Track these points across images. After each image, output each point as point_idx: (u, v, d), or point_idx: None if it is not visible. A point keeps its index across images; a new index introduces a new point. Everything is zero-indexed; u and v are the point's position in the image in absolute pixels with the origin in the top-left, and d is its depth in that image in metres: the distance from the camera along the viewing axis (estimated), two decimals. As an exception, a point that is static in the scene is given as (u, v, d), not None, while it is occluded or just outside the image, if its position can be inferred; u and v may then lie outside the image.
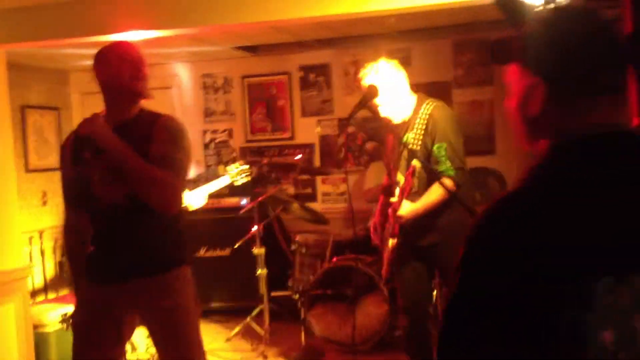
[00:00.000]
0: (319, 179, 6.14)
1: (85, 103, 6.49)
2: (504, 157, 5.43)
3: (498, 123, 5.48)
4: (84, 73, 6.43)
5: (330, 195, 6.11)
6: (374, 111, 2.75)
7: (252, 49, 6.01)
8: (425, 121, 3.12)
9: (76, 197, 2.59)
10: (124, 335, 2.64)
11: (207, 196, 4.00)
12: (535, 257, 0.96)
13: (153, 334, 2.59)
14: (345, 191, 6.02)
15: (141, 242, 2.48)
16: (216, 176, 4.23)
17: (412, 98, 3.24)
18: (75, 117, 6.51)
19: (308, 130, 6.15)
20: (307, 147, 6.16)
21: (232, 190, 4.85)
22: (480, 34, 5.55)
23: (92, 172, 2.49)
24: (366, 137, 5.97)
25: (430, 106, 3.19)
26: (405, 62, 5.60)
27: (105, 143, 2.40)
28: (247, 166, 4.19)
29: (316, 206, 5.62)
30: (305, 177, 6.01)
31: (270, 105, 6.27)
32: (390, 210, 3.17)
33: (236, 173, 4.14)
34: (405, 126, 3.21)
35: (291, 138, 6.23)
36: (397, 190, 3.10)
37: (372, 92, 2.77)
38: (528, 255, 0.96)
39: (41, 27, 3.72)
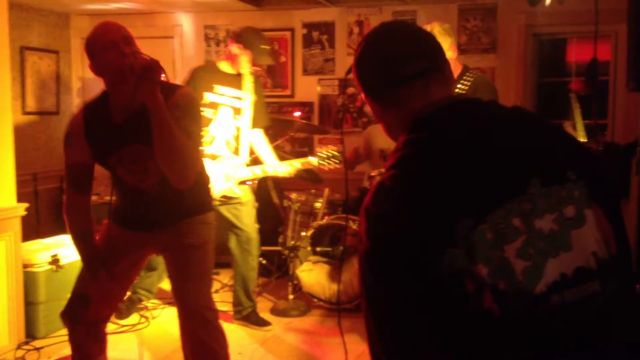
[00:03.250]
0: (316, 138, 6.13)
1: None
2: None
3: (499, 92, 5.43)
4: (85, 17, 6.37)
5: (326, 155, 6.09)
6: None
7: (256, 2, 5.93)
8: (467, 88, 3.20)
9: (85, 183, 2.64)
10: (136, 273, 2.86)
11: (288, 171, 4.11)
12: (409, 216, 1.10)
13: (171, 269, 2.75)
14: (342, 152, 6.00)
15: (169, 201, 2.60)
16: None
17: (458, 66, 3.33)
18: (75, 62, 6.46)
19: (309, 89, 6.12)
20: (306, 106, 6.13)
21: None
22: (486, 1, 5.49)
23: (117, 163, 2.56)
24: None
25: (473, 74, 3.32)
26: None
27: (156, 98, 2.31)
28: (338, 153, 4.14)
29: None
30: (302, 135, 5.99)
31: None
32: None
33: (324, 157, 4.12)
34: None
35: (291, 96, 6.20)
36: None
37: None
38: (409, 213, 1.11)
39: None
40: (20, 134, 5.56)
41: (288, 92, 6.20)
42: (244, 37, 4.01)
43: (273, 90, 6.22)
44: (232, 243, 4.23)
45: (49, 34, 6.20)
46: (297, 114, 6.01)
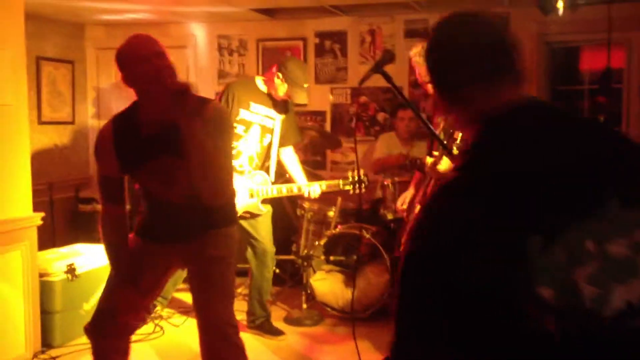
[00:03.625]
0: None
1: (100, 58, 6.50)
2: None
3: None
4: (100, 27, 6.44)
5: (339, 164, 6.12)
6: (387, 78, 2.72)
7: (269, 12, 5.97)
8: None
9: (117, 194, 2.66)
10: (161, 286, 2.84)
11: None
12: (474, 223, 1.03)
13: (192, 281, 2.74)
14: (354, 161, 6.02)
15: (195, 213, 2.60)
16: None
17: None
18: (90, 72, 6.52)
19: (322, 98, 6.14)
20: (319, 115, 6.15)
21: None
22: (498, 10, 5.49)
23: (147, 177, 2.60)
24: (378, 108, 5.95)
25: None
26: (423, 33, 5.57)
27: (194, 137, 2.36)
28: (366, 178, 4.16)
29: (325, 174, 5.64)
30: (315, 144, 6.00)
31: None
32: (427, 168, 3.20)
33: (350, 182, 4.12)
34: None
35: (304, 105, 6.21)
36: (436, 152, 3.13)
37: (387, 57, 2.74)
38: (468, 222, 1.04)
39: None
40: (36, 143, 5.62)
41: (301, 101, 6.21)
42: (288, 70, 3.98)
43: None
44: (249, 254, 4.25)
45: (65, 45, 6.27)
46: (311, 123, 6.02)
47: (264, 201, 4.18)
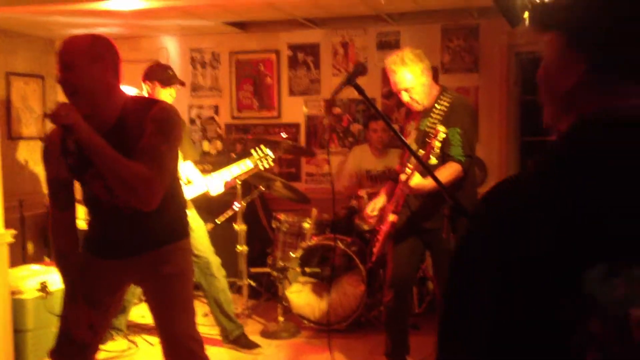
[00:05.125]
0: (303, 159, 6.16)
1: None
2: (486, 144, 5.47)
3: (482, 111, 5.51)
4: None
5: (313, 175, 6.14)
6: (360, 91, 2.75)
7: (241, 25, 5.98)
8: (445, 108, 3.25)
9: (66, 199, 2.57)
10: (117, 302, 2.74)
11: (225, 182, 4.05)
12: (529, 238, 0.93)
13: (151, 300, 2.67)
14: (328, 172, 6.04)
15: (144, 224, 2.52)
16: (232, 161, 4.23)
17: (434, 88, 3.38)
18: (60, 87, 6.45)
19: (295, 110, 6.16)
20: (293, 127, 6.17)
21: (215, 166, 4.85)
22: (469, 21, 5.57)
23: (93, 181, 2.49)
24: (352, 119, 5.99)
25: (450, 95, 3.35)
26: (395, 45, 5.64)
27: (82, 136, 2.26)
28: (270, 150, 4.17)
29: (299, 186, 5.64)
30: (289, 156, 6.02)
31: (258, 83, 6.25)
32: (400, 181, 3.23)
33: (258, 157, 4.13)
34: (424, 113, 3.34)
35: (277, 117, 6.23)
36: (411, 164, 3.15)
37: (359, 69, 2.76)
38: (523, 236, 0.94)
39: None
40: (6, 159, 5.54)
41: (274, 114, 6.23)
42: (154, 74, 4.08)
43: (259, 111, 6.26)
44: (194, 272, 4.17)
45: (35, 60, 6.20)
46: (284, 135, 6.03)
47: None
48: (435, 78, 3.46)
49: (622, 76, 0.99)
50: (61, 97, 6.42)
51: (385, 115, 3.13)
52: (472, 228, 1.02)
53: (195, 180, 4.16)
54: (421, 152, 3.02)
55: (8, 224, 3.92)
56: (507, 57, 5.61)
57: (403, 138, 3.03)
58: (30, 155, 6.10)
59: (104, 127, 2.38)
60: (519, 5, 3.59)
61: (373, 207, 3.56)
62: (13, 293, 3.87)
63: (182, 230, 2.68)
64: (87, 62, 2.30)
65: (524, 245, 0.93)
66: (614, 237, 0.91)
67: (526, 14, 3.52)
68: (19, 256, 5.10)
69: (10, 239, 3.84)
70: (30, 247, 5.88)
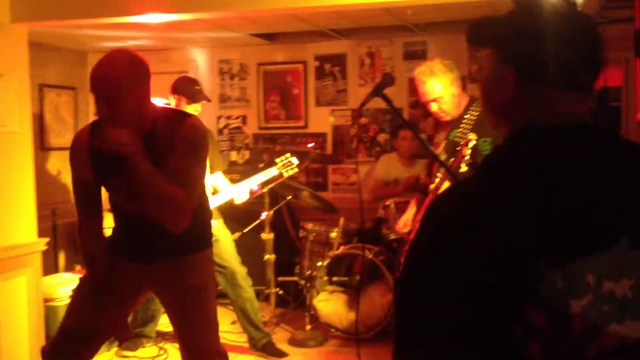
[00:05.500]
0: (330, 168, 6.19)
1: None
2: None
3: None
4: (102, 54, 6.50)
5: (340, 185, 6.16)
6: (387, 101, 2.77)
7: (269, 37, 6.05)
8: (474, 118, 3.23)
9: (93, 205, 2.57)
10: (132, 308, 2.75)
11: (250, 190, 4.11)
12: (477, 236, 0.98)
13: (171, 312, 2.65)
14: (355, 182, 6.06)
15: (167, 231, 2.49)
16: (259, 170, 4.28)
17: (464, 98, 3.36)
18: (92, 98, 6.58)
19: (321, 120, 6.20)
20: (319, 137, 6.20)
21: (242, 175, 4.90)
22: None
23: (118, 188, 2.50)
24: (378, 129, 6.01)
25: (480, 105, 3.29)
26: (421, 55, 5.65)
27: (138, 166, 2.29)
28: (294, 158, 4.21)
29: (326, 195, 5.67)
30: (316, 165, 6.05)
31: (285, 94, 6.31)
32: (429, 191, 3.22)
33: (282, 165, 4.18)
34: (454, 124, 3.33)
35: (304, 127, 6.27)
36: (440, 173, 3.15)
37: (387, 80, 2.79)
38: (470, 234, 0.99)
39: (63, 7, 3.78)
40: (40, 169, 5.65)
41: (301, 124, 6.28)
42: (182, 88, 4.17)
43: (287, 121, 6.31)
44: (220, 281, 4.22)
45: (67, 72, 6.34)
46: (311, 144, 6.07)
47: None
48: (463, 88, 3.46)
49: (548, 86, 1.08)
50: (92, 108, 6.54)
51: (413, 125, 3.14)
52: (422, 229, 1.07)
53: (222, 189, 4.21)
54: (452, 160, 3.02)
55: (41, 233, 4.00)
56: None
57: (430, 146, 3.04)
58: (63, 166, 6.22)
59: (136, 133, 2.38)
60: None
61: (405, 222, 3.57)
62: (46, 300, 3.96)
63: (206, 240, 2.68)
64: (126, 84, 2.30)
65: (473, 243, 0.98)
66: (553, 234, 0.96)
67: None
68: (51, 264, 5.20)
69: (43, 247, 3.92)
70: (62, 255, 5.99)
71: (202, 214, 2.63)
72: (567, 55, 1.07)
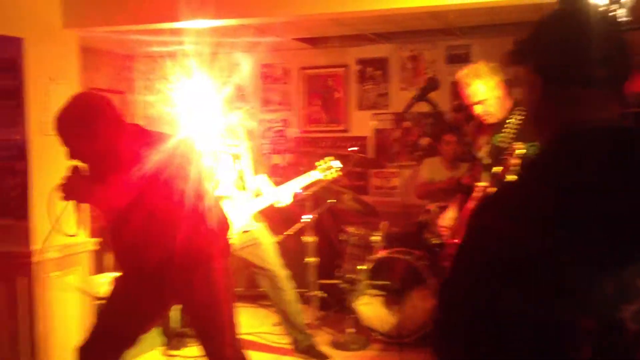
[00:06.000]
0: (371, 172, 6.19)
1: (149, 87, 6.70)
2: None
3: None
4: (148, 58, 6.64)
5: (382, 188, 6.15)
6: (433, 104, 2.77)
7: (311, 41, 6.08)
8: (519, 122, 3.20)
9: None
10: (156, 316, 2.89)
11: (293, 193, 4.17)
12: (519, 242, 0.99)
13: (191, 319, 2.80)
14: (397, 185, 6.05)
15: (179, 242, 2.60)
16: (300, 173, 4.33)
17: (508, 101, 3.34)
18: (139, 101, 6.72)
19: (363, 124, 6.20)
20: (360, 140, 6.21)
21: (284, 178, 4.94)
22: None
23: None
24: (421, 133, 5.98)
25: (524, 109, 3.25)
26: (465, 59, 5.61)
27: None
28: (336, 162, 4.25)
29: (367, 199, 5.66)
30: (358, 169, 6.06)
31: (327, 98, 6.34)
32: (475, 195, 3.20)
33: (324, 169, 4.22)
34: (497, 127, 3.30)
35: (346, 130, 6.29)
36: (485, 177, 3.13)
37: (431, 84, 2.79)
38: (513, 240, 1.00)
39: (113, 13, 3.88)
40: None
41: (343, 127, 6.29)
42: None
43: (328, 125, 6.33)
44: (263, 284, 4.28)
45: (115, 75, 6.49)
46: (353, 148, 6.08)
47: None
48: (508, 92, 3.43)
49: (565, 84, 1.12)
50: (139, 112, 6.67)
51: (457, 129, 3.12)
52: (471, 230, 1.09)
53: (265, 192, 4.26)
54: (499, 168, 3.00)
55: (91, 233, 4.10)
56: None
57: (475, 151, 3.03)
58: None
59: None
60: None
61: (444, 219, 3.56)
62: (95, 298, 4.05)
63: (218, 249, 2.74)
64: (72, 128, 2.53)
65: (521, 250, 0.99)
66: (602, 240, 0.97)
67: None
68: (99, 263, 5.31)
69: (93, 247, 4.02)
70: (108, 255, 6.10)
71: (207, 225, 2.69)
72: (593, 57, 1.10)
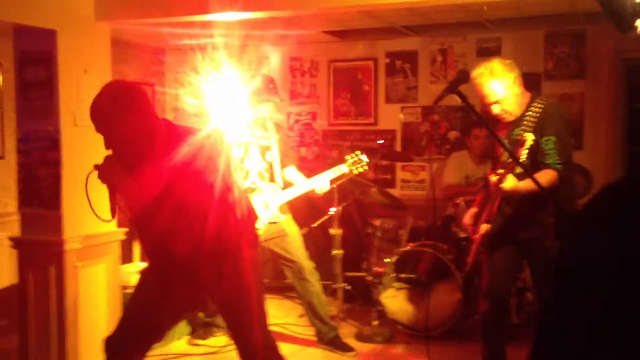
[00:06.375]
0: (398, 165, 6.17)
1: (179, 80, 6.76)
2: (592, 153, 5.28)
3: (588, 118, 5.33)
4: (178, 51, 6.70)
5: (409, 182, 6.13)
6: (462, 98, 2.74)
7: (340, 34, 6.07)
8: (537, 116, 3.17)
9: None
10: (186, 309, 2.92)
11: (330, 180, 4.22)
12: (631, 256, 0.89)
13: (220, 309, 2.83)
14: (424, 179, 6.02)
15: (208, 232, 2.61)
16: (328, 167, 4.35)
17: (525, 96, 3.30)
18: (169, 94, 6.79)
19: (391, 117, 6.18)
20: (389, 134, 6.19)
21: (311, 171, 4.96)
22: (574, 27, 5.41)
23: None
24: (449, 126, 5.94)
25: (543, 103, 3.26)
26: (495, 52, 5.55)
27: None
28: (365, 156, 4.26)
29: (394, 192, 5.66)
30: (385, 162, 6.05)
31: (355, 90, 6.33)
32: (491, 186, 3.19)
33: (352, 162, 4.23)
34: (515, 123, 3.27)
35: (374, 124, 6.28)
36: (501, 170, 3.11)
37: (462, 77, 2.76)
38: (624, 253, 0.90)
39: (144, 6, 3.92)
40: (118, 162, 5.88)
41: (371, 120, 6.28)
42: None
43: (356, 118, 6.32)
44: (289, 276, 4.31)
45: (145, 68, 6.56)
46: (380, 141, 6.07)
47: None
48: (537, 85, 3.38)
49: None
50: (169, 104, 6.72)
51: (487, 122, 3.09)
52: (582, 231, 0.99)
53: (297, 183, 4.27)
54: (510, 161, 2.97)
55: (120, 223, 4.17)
56: (615, 63, 5.40)
57: (505, 143, 3.00)
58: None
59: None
60: (630, 10, 3.46)
61: (469, 217, 3.55)
62: (123, 287, 4.12)
63: (245, 240, 2.75)
64: (110, 116, 2.52)
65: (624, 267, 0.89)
66: None
67: (638, 22, 3.38)
68: (128, 253, 5.40)
69: (122, 237, 4.09)
70: (136, 245, 6.19)
71: (233, 216, 2.70)
72: None
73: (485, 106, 3.32)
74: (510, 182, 3.03)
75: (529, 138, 2.94)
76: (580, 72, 5.45)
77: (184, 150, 2.53)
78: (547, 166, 3.08)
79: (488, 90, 3.21)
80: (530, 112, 3.21)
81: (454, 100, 2.81)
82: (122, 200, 2.66)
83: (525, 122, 3.20)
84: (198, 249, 2.58)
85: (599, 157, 5.34)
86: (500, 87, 3.19)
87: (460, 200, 4.79)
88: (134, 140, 2.56)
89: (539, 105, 3.21)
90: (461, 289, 4.40)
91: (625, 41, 5.16)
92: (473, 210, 3.57)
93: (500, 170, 3.09)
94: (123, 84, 2.67)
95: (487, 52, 5.65)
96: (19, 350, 3.80)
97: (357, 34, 6.10)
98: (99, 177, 2.58)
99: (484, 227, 3.28)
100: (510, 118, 3.28)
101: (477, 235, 3.37)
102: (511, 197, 3.19)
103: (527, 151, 2.94)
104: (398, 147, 6.15)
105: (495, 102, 3.23)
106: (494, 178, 3.13)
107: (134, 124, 2.54)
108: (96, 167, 2.61)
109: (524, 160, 2.94)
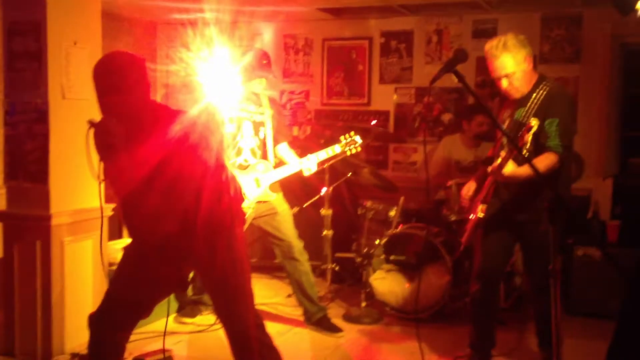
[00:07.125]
0: (391, 146, 6.13)
1: (170, 55, 6.69)
2: (585, 138, 5.25)
3: (582, 103, 5.30)
4: (170, 26, 6.61)
5: (401, 163, 6.10)
6: (459, 77, 2.68)
7: (335, 12, 6.00)
8: (542, 97, 3.16)
9: None
10: (172, 285, 2.87)
11: (317, 163, 4.16)
12: None
13: (207, 287, 2.82)
14: (416, 161, 5.99)
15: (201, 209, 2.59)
16: (321, 146, 4.29)
17: (534, 76, 3.28)
18: (160, 70, 6.71)
19: (385, 98, 6.13)
20: (382, 115, 6.15)
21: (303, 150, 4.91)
22: (571, 10, 5.36)
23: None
24: (442, 108, 5.90)
25: (549, 84, 3.24)
26: (491, 33, 5.49)
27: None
28: (358, 137, 4.22)
29: (386, 173, 5.63)
30: (377, 143, 6.01)
31: (349, 70, 6.26)
32: (490, 169, 3.16)
33: (346, 143, 4.19)
34: (520, 102, 3.25)
35: (367, 104, 6.23)
36: (503, 152, 3.08)
37: (459, 56, 2.71)
38: None
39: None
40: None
41: (364, 101, 6.23)
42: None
43: (349, 98, 6.27)
44: (278, 255, 4.28)
45: (136, 43, 6.46)
46: (373, 122, 6.02)
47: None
48: (534, 66, 3.35)
49: None
50: (160, 80, 6.63)
51: (485, 104, 3.06)
52: None
53: (290, 161, 4.23)
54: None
55: (108, 199, 4.12)
56: (612, 47, 5.36)
57: (503, 128, 2.97)
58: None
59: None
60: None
61: (468, 189, 3.55)
62: (110, 264, 4.08)
63: (233, 217, 2.71)
64: (118, 80, 2.52)
65: None
66: None
67: (639, 4, 3.34)
68: (116, 229, 5.35)
69: (109, 212, 4.04)
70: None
71: (227, 192, 2.69)
72: None
73: (495, 80, 3.29)
74: (510, 168, 3.02)
75: (535, 124, 2.91)
76: (575, 56, 5.41)
77: (178, 128, 2.50)
78: (549, 148, 3.06)
79: (499, 63, 3.20)
80: (536, 93, 3.20)
81: (449, 81, 2.77)
82: (112, 170, 2.59)
83: (530, 103, 3.18)
84: (191, 226, 2.56)
85: (591, 143, 5.33)
86: (511, 61, 3.18)
87: (451, 183, 4.76)
88: (130, 108, 2.53)
89: (545, 87, 3.20)
90: (451, 272, 4.39)
91: (622, 25, 5.13)
92: (472, 184, 3.55)
93: (503, 153, 3.07)
94: (124, 52, 2.66)
95: (483, 34, 5.61)
96: (4, 325, 3.77)
97: (352, 12, 6.02)
98: (95, 135, 2.51)
99: (481, 207, 3.26)
100: (517, 95, 3.26)
101: (474, 216, 3.34)
102: (510, 182, 3.17)
103: (532, 137, 2.91)
104: (391, 128, 6.11)
105: (505, 76, 3.21)
106: (498, 161, 3.10)
107: (133, 90, 2.53)
108: (92, 124, 2.53)
109: (529, 147, 2.90)
